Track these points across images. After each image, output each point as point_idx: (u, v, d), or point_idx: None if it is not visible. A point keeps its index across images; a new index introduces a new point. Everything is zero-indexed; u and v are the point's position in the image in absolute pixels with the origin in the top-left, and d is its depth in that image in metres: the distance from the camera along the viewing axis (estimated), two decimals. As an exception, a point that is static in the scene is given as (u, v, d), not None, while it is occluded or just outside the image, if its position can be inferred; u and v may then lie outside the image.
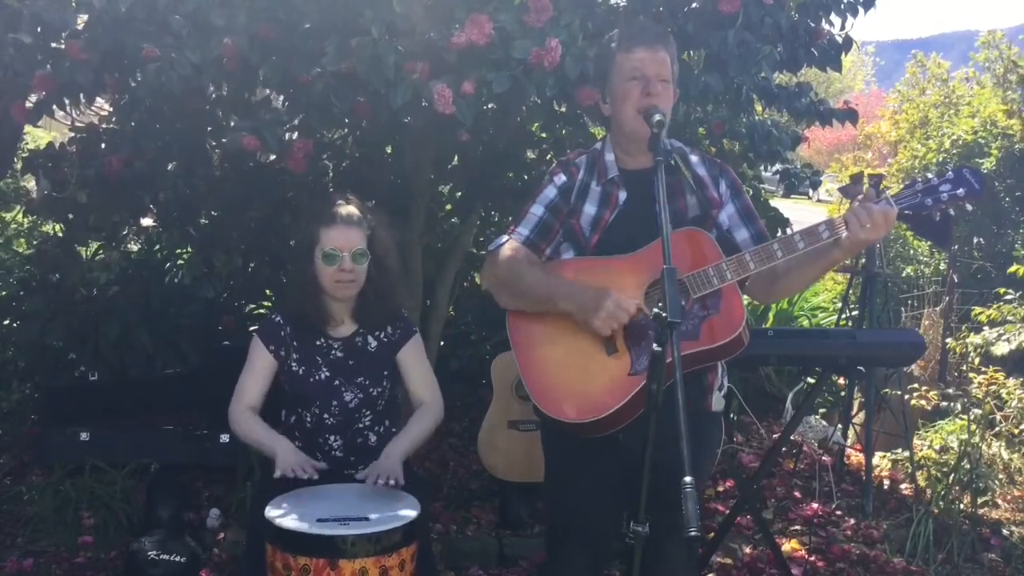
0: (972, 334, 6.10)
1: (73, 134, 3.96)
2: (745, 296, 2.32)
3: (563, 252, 2.34)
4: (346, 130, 4.41)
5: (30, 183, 6.70)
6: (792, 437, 4.52)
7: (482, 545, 3.63)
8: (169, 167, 3.90)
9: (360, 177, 4.34)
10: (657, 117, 2.14)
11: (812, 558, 3.70)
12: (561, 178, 2.36)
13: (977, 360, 5.82)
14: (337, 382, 2.56)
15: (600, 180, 2.32)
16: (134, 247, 4.95)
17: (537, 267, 2.29)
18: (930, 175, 2.19)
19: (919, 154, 8.98)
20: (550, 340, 2.24)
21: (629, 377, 2.15)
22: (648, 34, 2.28)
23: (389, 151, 4.40)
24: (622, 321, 2.12)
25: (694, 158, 2.36)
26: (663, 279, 1.89)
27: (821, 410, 5.35)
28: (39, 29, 2.77)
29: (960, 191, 2.14)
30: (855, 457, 4.72)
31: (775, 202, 4.97)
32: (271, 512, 2.18)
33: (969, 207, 2.19)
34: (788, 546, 3.78)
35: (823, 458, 4.60)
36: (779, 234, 2.99)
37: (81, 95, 2.98)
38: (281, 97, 3.49)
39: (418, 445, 2.56)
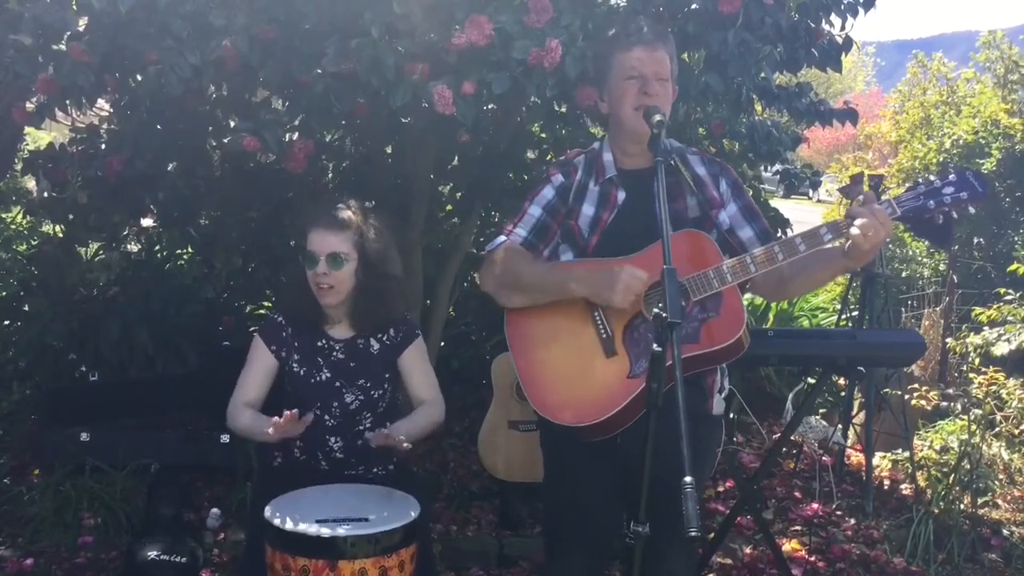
0: (972, 334, 6.11)
1: (73, 134, 3.97)
2: (746, 296, 2.31)
3: (561, 254, 2.33)
4: (343, 131, 4.41)
5: (30, 183, 6.70)
6: (792, 437, 4.52)
7: (482, 545, 3.63)
8: (169, 167, 3.91)
9: (360, 177, 4.34)
10: (657, 117, 2.13)
11: (812, 558, 3.70)
12: (559, 178, 2.35)
13: (977, 360, 5.82)
14: (338, 383, 2.56)
15: (598, 180, 2.31)
16: (134, 247, 4.95)
17: (539, 261, 2.29)
18: (932, 177, 2.18)
19: (919, 154, 8.98)
20: (548, 342, 2.23)
21: (628, 380, 2.13)
22: (646, 33, 2.26)
23: (389, 151, 4.40)
24: (638, 291, 2.10)
25: (693, 158, 2.36)
26: (663, 279, 1.88)
27: (821, 410, 5.35)
28: (40, 31, 2.77)
29: (963, 194, 2.12)
30: (855, 457, 4.72)
31: (775, 202, 4.98)
32: (270, 513, 2.18)
33: (972, 209, 2.18)
34: (788, 546, 3.78)
35: (823, 458, 4.60)
36: (779, 235, 2.99)
37: (82, 97, 2.98)
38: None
39: (420, 432, 2.53)
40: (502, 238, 2.33)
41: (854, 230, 2.05)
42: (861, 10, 3.50)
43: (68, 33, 2.81)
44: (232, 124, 3.56)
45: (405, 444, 2.34)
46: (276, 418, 2.35)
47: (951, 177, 2.14)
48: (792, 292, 2.37)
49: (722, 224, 2.30)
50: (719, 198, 2.31)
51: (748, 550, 3.75)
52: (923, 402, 5.18)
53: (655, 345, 1.86)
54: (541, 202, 2.33)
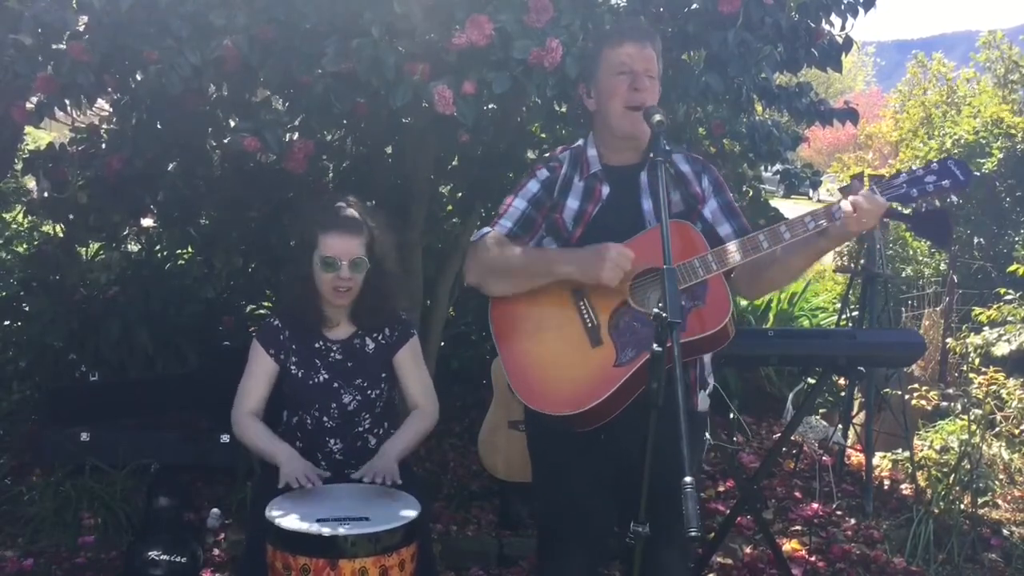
0: (972, 334, 6.11)
1: (73, 134, 3.97)
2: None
3: (545, 246, 2.34)
4: (343, 131, 4.41)
5: (30, 183, 6.70)
6: (792, 437, 4.52)
7: (482, 545, 3.63)
8: (169, 167, 3.90)
9: (360, 177, 4.34)
10: (657, 117, 2.14)
11: (812, 558, 3.70)
12: (544, 173, 2.36)
13: (977, 360, 5.83)
14: (336, 384, 2.56)
15: (583, 175, 2.33)
16: (134, 247, 4.95)
17: (525, 246, 2.30)
18: (915, 167, 2.19)
19: (920, 154, 8.99)
20: (534, 333, 2.24)
21: (615, 368, 2.14)
22: (635, 30, 2.30)
23: (389, 151, 4.40)
24: (626, 269, 2.11)
25: (676, 156, 2.38)
26: (663, 279, 1.90)
27: (821, 410, 5.35)
28: (40, 30, 2.77)
29: (945, 182, 2.13)
30: (855, 457, 4.72)
31: (775, 202, 4.96)
32: (272, 512, 2.18)
33: (954, 199, 2.19)
34: (788, 546, 3.78)
35: (823, 458, 4.60)
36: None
37: (82, 96, 2.98)
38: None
39: (413, 447, 2.58)
40: (487, 229, 2.34)
41: (845, 204, 2.08)
42: (861, 10, 3.50)
43: (68, 32, 2.81)
44: (232, 124, 3.55)
45: (394, 481, 2.37)
46: (293, 461, 2.39)
47: (933, 166, 2.17)
48: (767, 285, 2.37)
49: (706, 219, 2.33)
50: (701, 194, 2.34)
51: (748, 550, 3.75)
52: (923, 402, 5.18)
53: (655, 345, 1.86)
54: (526, 195, 2.34)
